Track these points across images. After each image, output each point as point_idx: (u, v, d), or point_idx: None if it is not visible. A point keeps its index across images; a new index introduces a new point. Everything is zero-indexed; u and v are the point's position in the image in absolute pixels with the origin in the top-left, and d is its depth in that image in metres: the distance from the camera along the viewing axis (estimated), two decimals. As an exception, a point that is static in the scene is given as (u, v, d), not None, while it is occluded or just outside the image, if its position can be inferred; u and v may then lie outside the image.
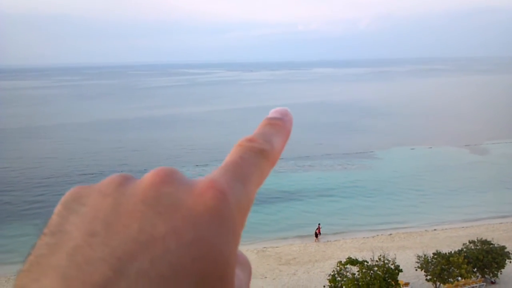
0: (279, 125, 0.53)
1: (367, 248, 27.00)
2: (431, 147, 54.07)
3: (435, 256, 22.05)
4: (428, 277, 21.89)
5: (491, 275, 22.66)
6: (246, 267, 0.43)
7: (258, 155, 0.47)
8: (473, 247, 23.15)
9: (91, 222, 0.38)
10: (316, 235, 29.65)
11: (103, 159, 49.49)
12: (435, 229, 30.98)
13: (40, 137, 62.88)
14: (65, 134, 64.72)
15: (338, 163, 47.10)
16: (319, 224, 30.24)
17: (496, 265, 22.23)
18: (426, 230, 30.88)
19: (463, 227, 31.17)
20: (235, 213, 0.40)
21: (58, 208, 0.41)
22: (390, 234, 30.37)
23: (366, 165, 46.44)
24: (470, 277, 21.80)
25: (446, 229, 31.03)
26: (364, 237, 29.87)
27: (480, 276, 22.81)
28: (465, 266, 21.09)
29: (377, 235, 30.33)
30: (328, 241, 29.55)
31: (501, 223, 31.60)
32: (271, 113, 0.55)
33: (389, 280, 20.02)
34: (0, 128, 70.50)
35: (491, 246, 22.82)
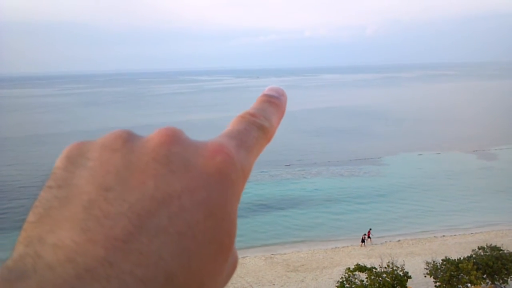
0: (277, 104, 0.54)
1: (375, 254, 26.92)
2: (439, 153, 53.89)
3: (444, 263, 21.97)
4: (437, 283, 21.79)
5: (501, 281, 22.52)
6: (234, 258, 0.43)
7: (259, 131, 0.49)
8: (482, 253, 23.03)
9: (104, 176, 0.38)
10: (363, 240, 29.69)
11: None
12: (444, 235, 30.84)
13: (48, 145, 63.33)
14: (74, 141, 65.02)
15: (345, 169, 47.06)
16: (370, 229, 30.44)
17: (506, 271, 22.10)
18: (435, 236, 30.76)
19: (472, 233, 31.02)
20: (239, 177, 0.42)
21: (61, 161, 0.41)
22: (399, 241, 30.29)
23: (374, 171, 46.35)
24: (480, 283, 21.65)
25: (455, 235, 30.89)
26: (372, 244, 29.80)
27: (490, 282, 22.69)
28: (475, 272, 20.98)
29: (386, 241, 30.27)
30: (336, 247, 29.53)
31: (510, 229, 31.35)
32: (268, 90, 0.56)
33: (398, 287, 19.99)
34: (8, 136, 71.25)
35: (500, 252, 22.69)
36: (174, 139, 0.41)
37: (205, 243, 0.36)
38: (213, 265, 0.37)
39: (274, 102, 0.54)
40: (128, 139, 0.42)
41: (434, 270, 22.06)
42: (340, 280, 20.95)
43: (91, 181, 0.37)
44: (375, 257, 25.97)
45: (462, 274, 21.21)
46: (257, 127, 0.49)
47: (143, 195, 0.36)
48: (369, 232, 30.10)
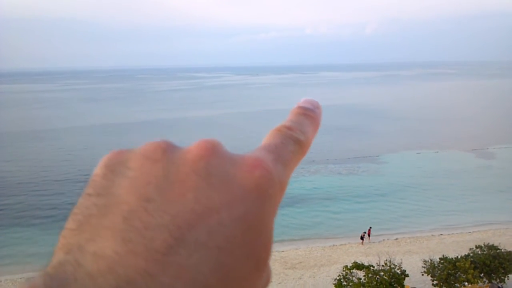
0: (313, 117, 0.54)
1: (373, 252, 26.94)
2: (437, 152, 53.86)
3: (442, 261, 22.00)
4: (435, 282, 21.81)
5: (498, 280, 22.53)
6: (268, 272, 0.42)
7: (296, 145, 0.49)
8: (480, 252, 23.05)
9: (145, 187, 0.38)
10: (362, 238, 29.71)
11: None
12: (441, 234, 30.88)
13: (47, 140, 63.27)
14: (73, 137, 65.08)
15: (344, 168, 47.03)
16: (370, 227, 30.51)
17: (503, 270, 22.10)
18: (432, 235, 30.79)
19: (469, 232, 31.06)
20: (277, 192, 0.42)
21: (101, 169, 0.41)
22: (397, 239, 30.32)
23: (372, 170, 46.34)
24: (477, 282, 21.68)
25: (452, 234, 30.93)
26: (370, 242, 29.82)
27: (487, 281, 22.69)
28: (472, 271, 21.00)
29: (383, 239, 30.29)
30: (334, 245, 29.54)
31: (508, 228, 31.38)
32: (304, 102, 0.55)
33: (395, 285, 19.99)
34: (9, 131, 71.15)
35: (498, 251, 22.70)
36: (213, 152, 0.41)
37: (242, 258, 0.36)
38: (250, 280, 0.37)
39: (309, 115, 0.54)
40: (168, 149, 0.42)
41: (431, 269, 22.08)
42: (338, 278, 20.96)
43: (132, 191, 0.38)
44: (372, 255, 25.98)
45: (459, 272, 21.22)
46: (294, 141, 0.49)
47: (183, 207, 0.36)
48: (369, 230, 30.11)
